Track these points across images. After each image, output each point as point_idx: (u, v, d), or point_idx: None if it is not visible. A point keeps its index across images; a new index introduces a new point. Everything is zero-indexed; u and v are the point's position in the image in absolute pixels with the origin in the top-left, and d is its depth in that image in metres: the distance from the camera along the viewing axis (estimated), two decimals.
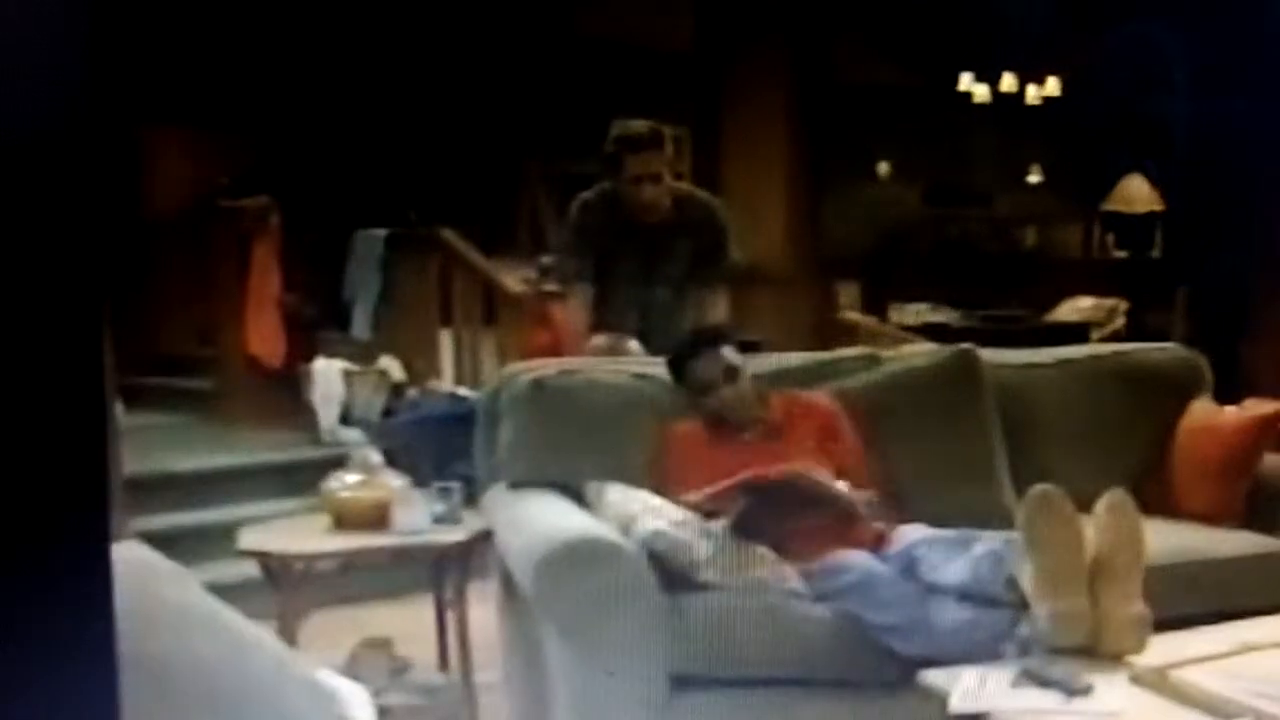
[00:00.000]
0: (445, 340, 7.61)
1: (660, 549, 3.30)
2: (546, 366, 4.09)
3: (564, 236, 5.14)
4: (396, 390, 7.26)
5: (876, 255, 11.63)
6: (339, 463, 4.31)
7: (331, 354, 7.49)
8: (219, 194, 8.23)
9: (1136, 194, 12.05)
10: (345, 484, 4.07)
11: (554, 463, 3.83)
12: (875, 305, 10.84)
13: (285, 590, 3.82)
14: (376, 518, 3.98)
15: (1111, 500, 3.00)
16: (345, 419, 7.21)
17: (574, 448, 3.84)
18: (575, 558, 3.17)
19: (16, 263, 0.96)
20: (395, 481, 4.10)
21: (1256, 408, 4.56)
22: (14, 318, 0.96)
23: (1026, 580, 2.93)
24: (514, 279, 7.32)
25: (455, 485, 4.08)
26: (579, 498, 3.69)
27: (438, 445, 5.85)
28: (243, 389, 7.78)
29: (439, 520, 4.00)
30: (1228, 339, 9.28)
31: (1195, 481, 4.36)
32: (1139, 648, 2.84)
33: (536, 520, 3.49)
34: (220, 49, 8.79)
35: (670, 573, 3.31)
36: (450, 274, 7.55)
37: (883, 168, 12.18)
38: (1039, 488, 2.96)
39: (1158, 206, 11.98)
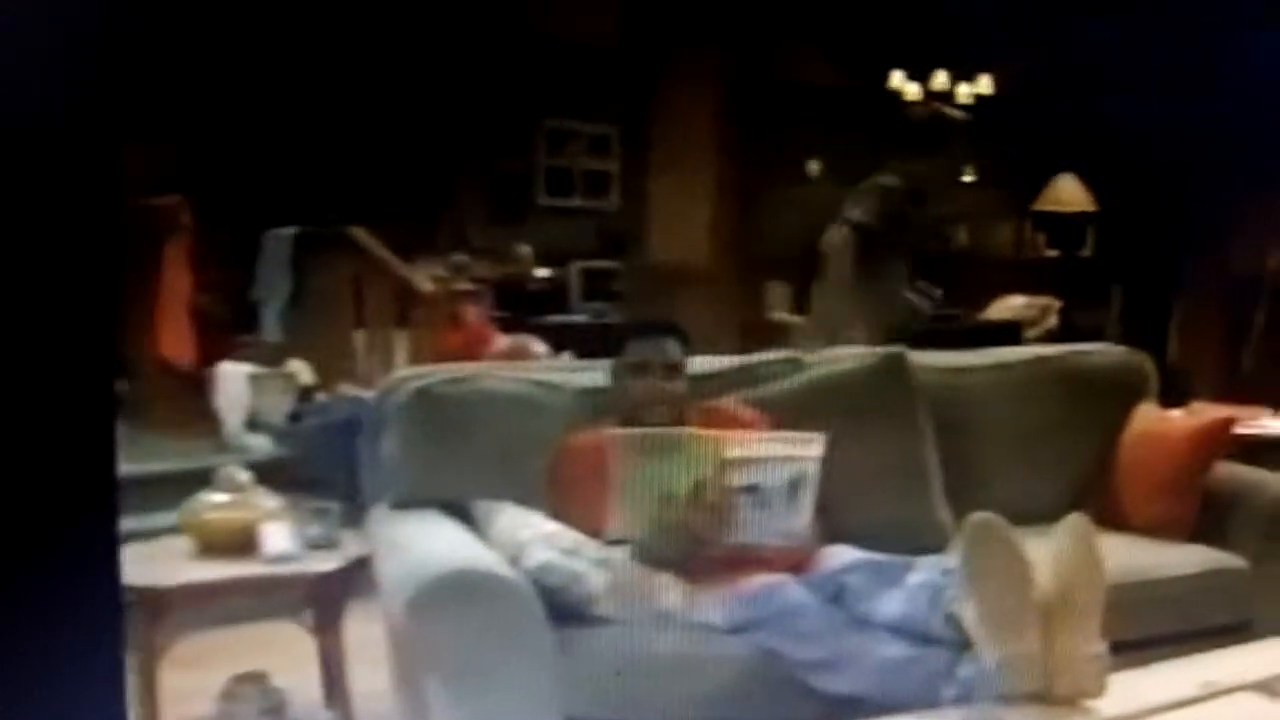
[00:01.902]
0: (362, 342, 7.20)
1: (550, 582, 2.92)
2: (435, 372, 3.64)
3: None
4: (305, 394, 6.83)
5: (806, 254, 11.35)
6: (248, 470, 3.87)
7: (242, 356, 7.10)
8: (129, 192, 7.78)
9: (1068, 194, 11.95)
10: (210, 504, 3.59)
11: (441, 480, 3.37)
12: (806, 305, 10.52)
13: (141, 623, 3.34)
14: (244, 541, 3.50)
15: (1074, 528, 2.60)
16: (254, 424, 6.79)
17: (463, 463, 3.39)
18: (453, 593, 2.76)
19: (24, 263, 0.95)
20: (266, 501, 3.62)
21: (1205, 413, 4.27)
22: (26, 318, 0.96)
23: (969, 619, 2.57)
24: (426, 278, 6.92)
25: (332, 505, 3.62)
26: (469, 518, 3.26)
27: (345, 453, 5.44)
28: (152, 393, 7.35)
29: (314, 545, 3.53)
30: (1159, 338, 9.16)
31: (1143, 492, 4.07)
32: (1098, 691, 2.52)
33: (414, 547, 3.04)
34: (132, 43, 8.33)
35: (564, 607, 2.92)
36: (362, 274, 7.12)
37: (813, 167, 11.93)
38: (978, 517, 2.57)
39: (1090, 206, 11.86)
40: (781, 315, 9.41)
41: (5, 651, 0.98)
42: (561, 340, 7.36)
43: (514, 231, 9.92)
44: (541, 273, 9.77)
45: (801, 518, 3.11)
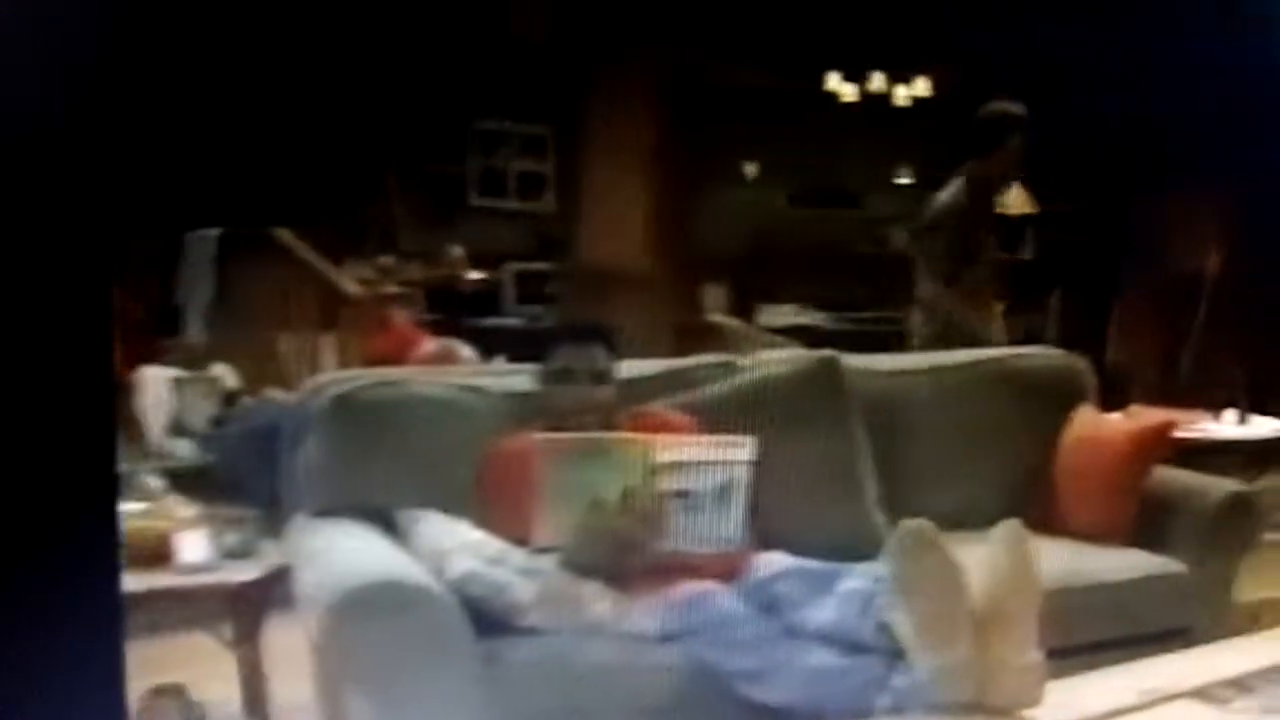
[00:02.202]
0: (288, 345, 7.12)
1: (474, 593, 2.89)
2: (356, 377, 3.57)
3: None
4: (230, 399, 6.74)
5: (744, 257, 11.36)
6: (170, 476, 3.91)
7: (165, 360, 7.00)
8: None
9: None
10: (123, 513, 3.50)
11: (362, 488, 3.30)
12: (743, 308, 10.56)
13: None
14: (159, 551, 3.42)
15: (1007, 534, 2.58)
16: (178, 430, 6.69)
17: (385, 470, 3.32)
18: (372, 604, 2.70)
19: (25, 262, 0.96)
20: (182, 509, 3.55)
21: (1144, 417, 4.27)
22: (24, 317, 0.96)
23: (902, 627, 2.55)
24: (352, 281, 6.84)
25: (250, 514, 3.55)
26: (392, 527, 3.19)
27: (268, 459, 5.36)
28: None
29: (231, 554, 3.46)
30: (1098, 341, 9.20)
31: (1081, 497, 4.06)
32: (1034, 700, 2.50)
33: (333, 557, 2.98)
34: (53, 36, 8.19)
35: (489, 617, 2.88)
36: (288, 276, 7.03)
37: (750, 169, 11.92)
38: (909, 524, 2.55)
39: (1030, 209, 11.86)
40: (718, 318, 9.36)
41: (5, 651, 0.98)
42: (495, 344, 7.31)
43: (446, 233, 9.82)
44: (475, 275, 9.68)
45: (733, 523, 3.07)
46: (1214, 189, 8.99)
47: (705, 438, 3.27)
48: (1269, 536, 3.57)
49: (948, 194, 5.53)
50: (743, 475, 3.08)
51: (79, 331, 1.00)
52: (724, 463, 3.08)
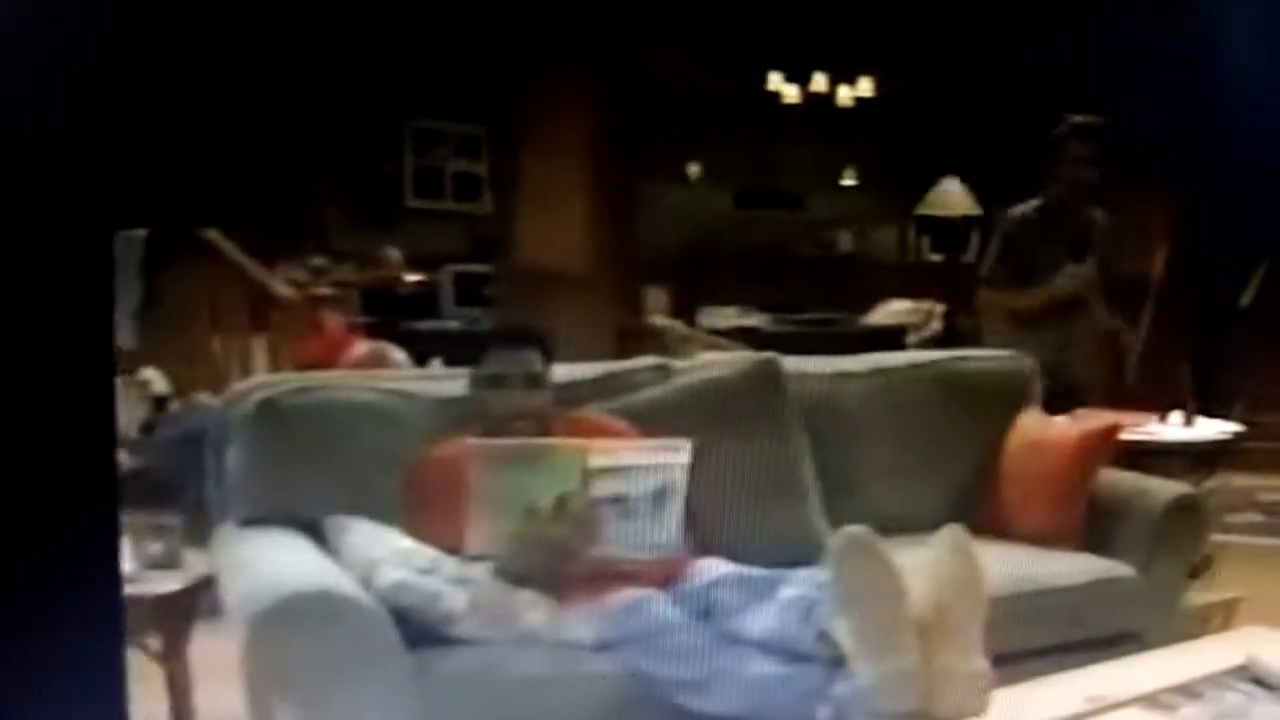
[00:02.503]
0: (219, 349, 7.02)
1: (405, 603, 2.83)
2: (282, 382, 3.50)
3: None
4: (159, 403, 6.64)
5: (687, 258, 11.36)
6: None
7: None
8: None
9: (952, 197, 11.96)
10: None
11: (289, 496, 3.24)
12: (685, 310, 10.55)
13: None
14: None
15: (950, 540, 2.56)
16: None
17: (312, 477, 3.26)
18: (299, 615, 2.65)
19: (26, 263, 0.97)
20: None
21: (1090, 419, 4.26)
22: (23, 318, 0.97)
23: (843, 635, 2.51)
24: (283, 283, 6.75)
25: (174, 522, 3.47)
26: (321, 536, 3.14)
27: (197, 466, 5.28)
28: None
29: (155, 564, 3.38)
30: None
31: (1027, 501, 4.04)
32: (980, 709, 2.51)
33: (260, 567, 2.91)
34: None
35: (420, 628, 2.83)
36: (218, 278, 6.95)
37: (693, 169, 11.93)
38: (847, 530, 2.53)
39: (974, 210, 11.90)
40: (660, 320, 9.33)
41: (5, 652, 0.99)
42: (433, 347, 7.23)
43: (382, 234, 9.75)
44: (412, 277, 9.61)
45: (669, 528, 3.03)
46: (1159, 189, 9.02)
47: (641, 441, 3.23)
48: (1217, 538, 3.56)
49: (1018, 210, 5.46)
50: (679, 479, 3.04)
51: (79, 331, 1.01)
52: (660, 467, 3.04)
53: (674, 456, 3.06)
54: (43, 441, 0.99)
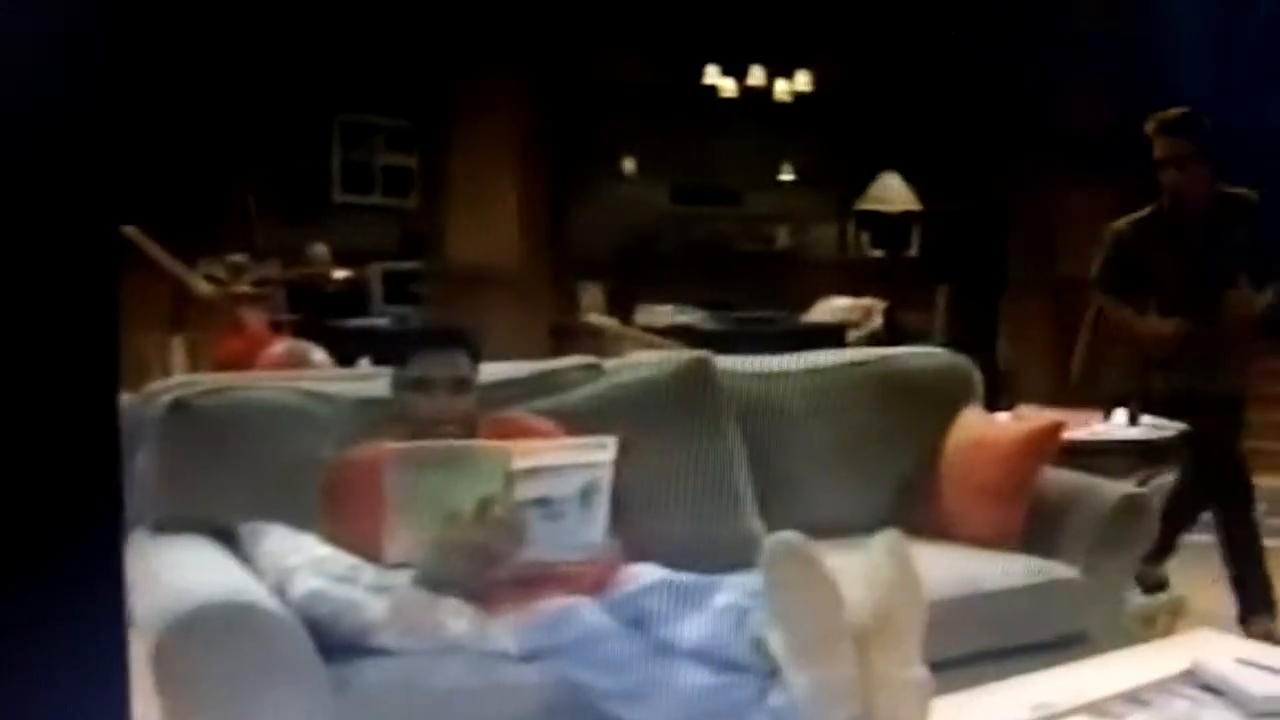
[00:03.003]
0: (136, 349, 6.90)
1: (322, 612, 2.76)
2: (194, 382, 3.41)
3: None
4: None
5: (623, 255, 11.34)
6: None
7: None
8: None
9: (892, 192, 12.00)
10: None
11: (202, 501, 3.15)
12: (622, 307, 10.53)
13: None
14: None
15: (888, 544, 2.51)
16: None
17: (226, 482, 3.17)
18: (208, 627, 2.56)
19: (28, 261, 0.98)
20: None
21: (1032, 417, 4.24)
22: (24, 317, 0.98)
23: (777, 644, 2.47)
24: (203, 280, 6.66)
25: None
26: (235, 544, 3.06)
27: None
28: None
29: None
30: (987, 340, 9.22)
31: (968, 501, 4.00)
32: (919, 718, 2.47)
33: (169, 576, 2.82)
34: None
35: (338, 638, 2.76)
36: (136, 275, 6.84)
37: (628, 165, 11.91)
38: (779, 536, 2.49)
39: (914, 205, 11.94)
40: (595, 318, 9.29)
41: (5, 653, 0.99)
42: (362, 345, 7.14)
43: (310, 230, 9.68)
44: (340, 274, 9.53)
45: (595, 528, 2.98)
46: (1100, 187, 9.05)
47: (565, 440, 3.18)
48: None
49: (1133, 216, 5.11)
50: (604, 477, 2.99)
51: (83, 331, 1.01)
52: (585, 465, 2.98)
53: (599, 454, 3.00)
54: (44, 440, 0.99)
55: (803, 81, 11.49)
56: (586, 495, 2.96)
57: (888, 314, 10.95)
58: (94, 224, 1.04)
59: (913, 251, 12.40)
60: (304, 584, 2.79)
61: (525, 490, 2.92)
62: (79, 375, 1.02)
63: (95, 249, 1.04)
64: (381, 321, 9.31)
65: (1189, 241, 4.88)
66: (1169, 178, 4.85)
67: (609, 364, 3.93)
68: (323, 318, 8.55)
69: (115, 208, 1.06)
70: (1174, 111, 4.88)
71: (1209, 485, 4.88)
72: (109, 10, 1.08)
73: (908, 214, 12.18)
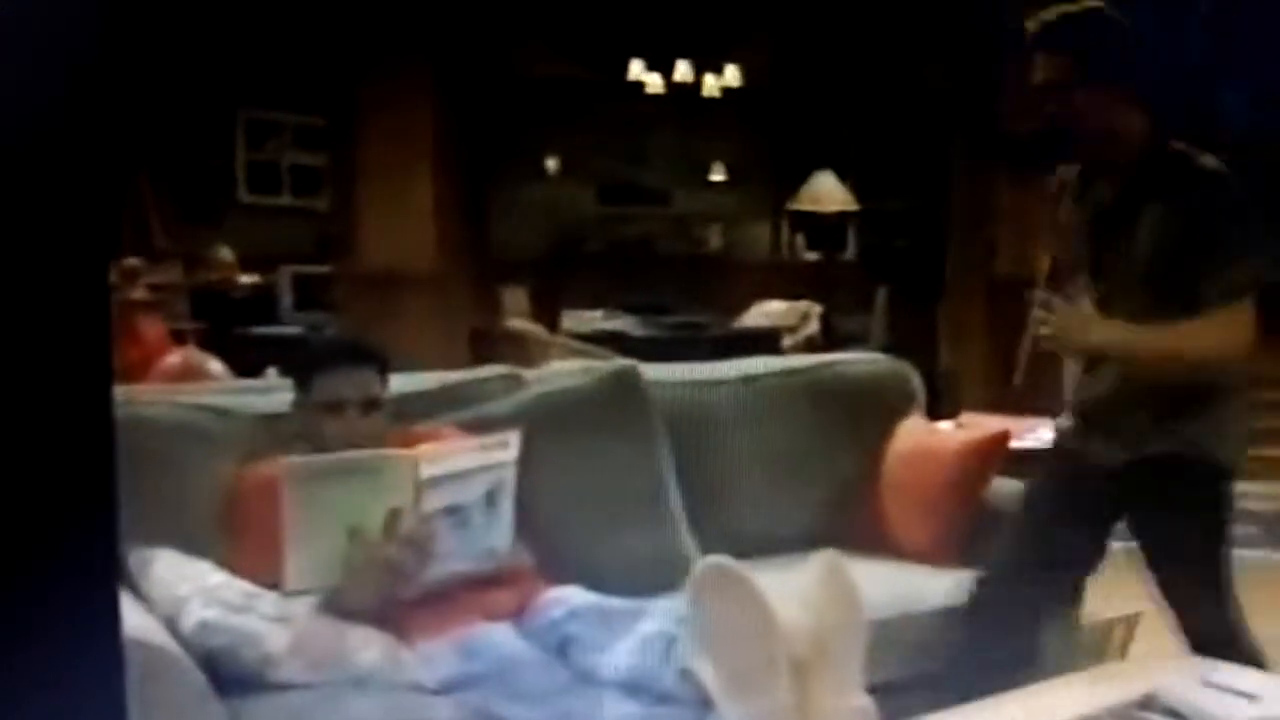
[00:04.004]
0: None
1: (217, 645, 2.66)
2: None
3: None
4: None
5: (547, 258, 11.26)
6: None
7: None
8: None
9: (827, 192, 11.97)
10: None
11: None
12: (547, 312, 10.41)
13: None
14: None
15: (825, 565, 2.45)
16: None
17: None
18: None
19: (21, 261, 0.99)
20: None
21: (977, 426, 4.20)
22: (18, 319, 0.99)
23: (707, 674, 2.40)
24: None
25: None
26: (121, 571, 2.92)
27: None
28: None
29: None
30: (928, 344, 9.22)
31: (909, 514, 3.97)
32: None
33: None
34: None
35: (234, 673, 2.66)
36: None
37: (552, 164, 11.86)
38: (708, 561, 2.43)
39: (850, 205, 11.92)
40: (517, 323, 9.19)
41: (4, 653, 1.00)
42: (271, 354, 7.00)
43: (212, 232, 9.54)
44: (246, 279, 9.39)
45: (503, 533, 2.92)
46: (1038, 185, 9.06)
47: (465, 441, 3.08)
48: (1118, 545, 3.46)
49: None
50: (509, 477, 2.93)
51: (76, 330, 1.02)
52: (489, 466, 2.89)
53: (501, 453, 2.92)
54: (39, 440, 1.00)
55: (732, 76, 11.43)
56: (492, 497, 2.89)
57: (824, 319, 10.93)
58: (81, 218, 1.04)
59: (849, 253, 12.39)
60: (196, 614, 2.68)
61: (434, 500, 2.83)
62: (71, 378, 1.03)
63: (84, 240, 1.04)
64: (293, 329, 9.18)
65: (1101, 221, 3.33)
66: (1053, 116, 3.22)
67: (529, 374, 3.85)
68: (228, 325, 8.42)
69: (109, 204, 1.07)
70: (1054, 10, 3.24)
71: None
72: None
73: (843, 214, 12.16)
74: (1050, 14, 3.20)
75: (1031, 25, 3.22)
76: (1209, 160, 3.16)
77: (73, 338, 1.03)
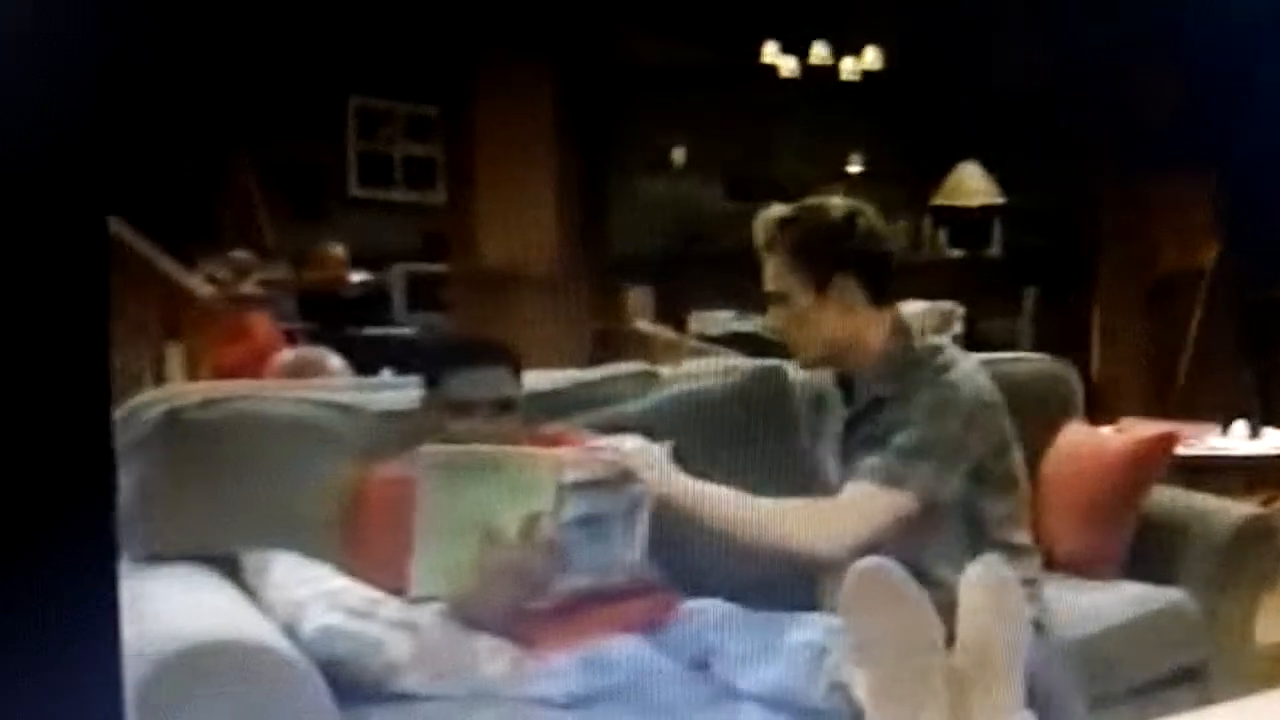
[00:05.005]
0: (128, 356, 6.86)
1: (338, 652, 2.70)
2: (190, 392, 3.35)
3: None
4: None
5: (673, 256, 11.28)
6: None
7: None
8: None
9: (972, 184, 11.88)
10: None
11: (200, 526, 3.07)
12: (672, 313, 10.45)
13: None
14: None
15: (986, 573, 2.41)
16: None
17: (227, 504, 3.09)
18: (204, 669, 2.48)
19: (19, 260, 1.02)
20: None
21: (1138, 430, 4.15)
22: (16, 316, 1.02)
23: (861, 688, 2.38)
24: (203, 281, 6.61)
25: None
26: (239, 575, 3.01)
27: None
28: None
29: None
30: (1080, 346, 9.17)
31: (1067, 523, 3.94)
32: None
33: (161, 611, 2.74)
34: None
35: (355, 681, 2.70)
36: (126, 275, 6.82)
37: (678, 156, 11.85)
38: (865, 563, 2.39)
39: (996, 199, 11.84)
40: (643, 325, 9.23)
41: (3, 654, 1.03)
42: (383, 356, 7.08)
43: (321, 228, 9.65)
44: (357, 277, 9.48)
45: (636, 548, 2.96)
46: (1203, 173, 8.94)
47: (614, 447, 3.08)
48: None
49: None
50: (649, 491, 2.96)
51: (76, 329, 1.05)
52: (634, 478, 2.92)
53: (648, 471, 2.95)
54: (38, 440, 1.03)
55: (872, 59, 11.36)
56: (630, 512, 2.90)
57: (968, 320, 10.88)
58: (81, 214, 1.08)
59: (994, 250, 12.30)
60: (317, 619, 2.73)
61: (573, 507, 2.86)
62: (67, 384, 1.05)
63: (84, 241, 1.08)
64: (406, 330, 9.28)
65: None
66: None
67: (666, 372, 3.85)
68: (339, 326, 8.51)
69: (104, 200, 1.10)
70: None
71: None
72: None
73: (989, 209, 12.07)
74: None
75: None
76: None
77: (73, 338, 1.05)
